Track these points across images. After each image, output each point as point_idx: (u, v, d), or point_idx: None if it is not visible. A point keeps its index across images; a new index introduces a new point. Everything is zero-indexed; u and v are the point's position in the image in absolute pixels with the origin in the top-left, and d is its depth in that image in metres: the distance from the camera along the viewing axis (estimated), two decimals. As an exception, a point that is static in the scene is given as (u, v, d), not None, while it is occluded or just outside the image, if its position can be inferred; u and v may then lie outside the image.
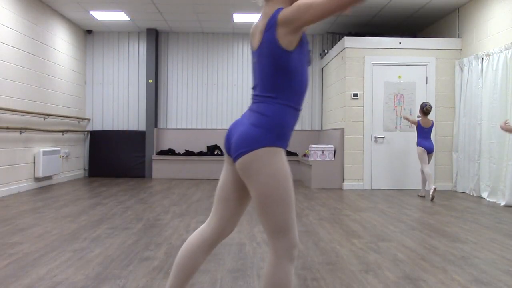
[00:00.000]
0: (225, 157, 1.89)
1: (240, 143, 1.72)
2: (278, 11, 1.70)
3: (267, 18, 1.73)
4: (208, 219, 1.95)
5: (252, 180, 1.71)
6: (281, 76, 1.72)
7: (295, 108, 1.78)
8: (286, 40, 1.68)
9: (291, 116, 1.76)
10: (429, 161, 6.95)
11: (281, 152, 1.74)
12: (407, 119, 7.15)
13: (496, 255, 3.59)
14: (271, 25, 1.69)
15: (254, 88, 1.83)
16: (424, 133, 6.93)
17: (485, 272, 3.14)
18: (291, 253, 1.75)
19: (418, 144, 6.93)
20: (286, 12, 1.66)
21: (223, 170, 1.91)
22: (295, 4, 1.64)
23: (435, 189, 6.49)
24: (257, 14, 8.55)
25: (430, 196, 6.52)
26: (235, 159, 1.74)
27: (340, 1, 1.57)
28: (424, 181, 7.05)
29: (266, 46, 1.71)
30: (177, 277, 1.91)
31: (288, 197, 1.72)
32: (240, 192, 1.88)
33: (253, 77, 1.82)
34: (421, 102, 7.25)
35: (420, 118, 6.98)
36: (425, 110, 6.88)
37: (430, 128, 6.95)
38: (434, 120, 7.55)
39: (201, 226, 1.96)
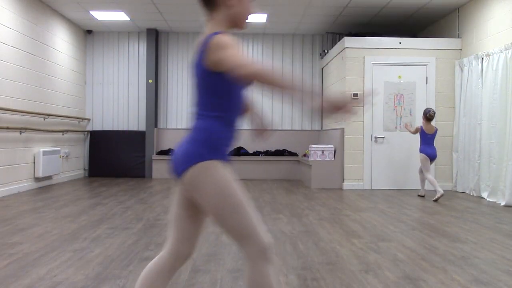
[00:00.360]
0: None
1: (177, 162, 1.77)
2: (208, 37, 1.73)
3: (201, 40, 1.77)
4: (165, 244, 1.90)
5: (198, 195, 1.74)
6: (211, 93, 1.77)
7: (228, 122, 1.79)
8: (213, 63, 1.71)
9: (223, 129, 1.78)
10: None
11: (216, 164, 1.75)
12: (407, 128, 7.19)
13: (496, 255, 3.59)
14: (203, 49, 1.73)
15: (194, 107, 1.85)
16: (427, 139, 6.85)
17: (485, 272, 3.14)
18: (264, 254, 1.72)
19: (421, 151, 6.83)
20: (214, 49, 1.69)
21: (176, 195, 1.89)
22: (221, 50, 1.67)
23: (442, 195, 6.40)
24: (257, 14, 8.56)
25: (436, 197, 6.46)
26: (178, 178, 1.78)
27: (247, 72, 1.58)
28: (423, 181, 7.04)
29: (199, 65, 1.76)
30: None
31: (238, 203, 1.72)
32: (191, 210, 1.85)
33: (194, 96, 1.85)
34: (424, 108, 7.22)
35: (423, 125, 6.92)
36: (428, 116, 6.80)
37: (433, 135, 6.86)
38: (436, 126, 7.47)
39: (160, 253, 1.90)
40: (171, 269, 1.86)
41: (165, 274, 1.85)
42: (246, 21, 1.88)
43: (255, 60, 1.60)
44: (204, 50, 1.73)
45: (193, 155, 1.74)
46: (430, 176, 6.75)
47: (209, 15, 1.83)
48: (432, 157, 6.84)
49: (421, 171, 6.99)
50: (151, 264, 1.87)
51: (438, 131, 8.02)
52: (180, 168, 1.76)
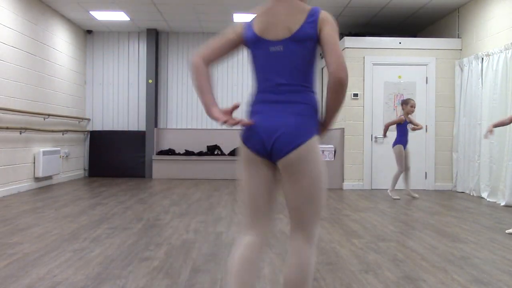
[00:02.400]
0: (252, 162, 1.79)
1: (294, 135, 1.71)
2: (317, 9, 1.78)
3: (302, 13, 1.77)
4: (248, 229, 1.83)
5: (306, 170, 1.72)
6: (311, 67, 1.80)
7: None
8: (322, 38, 1.76)
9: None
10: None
11: (318, 140, 1.80)
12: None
13: (496, 255, 3.59)
14: (312, 21, 1.75)
15: (274, 78, 1.78)
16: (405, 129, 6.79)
17: (485, 272, 3.14)
18: (316, 239, 1.82)
19: (401, 142, 6.76)
20: (329, 21, 1.76)
21: (250, 177, 1.81)
22: (334, 31, 1.76)
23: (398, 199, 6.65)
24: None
25: (394, 197, 6.68)
26: (286, 153, 1.71)
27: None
28: (405, 180, 6.92)
29: (304, 37, 1.74)
30: None
31: (325, 185, 1.80)
32: (274, 192, 1.85)
33: (271, 68, 1.79)
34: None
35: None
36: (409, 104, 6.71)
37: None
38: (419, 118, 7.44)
39: (246, 240, 1.81)
40: (260, 253, 1.80)
41: (257, 261, 1.78)
42: None
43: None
44: (315, 21, 1.74)
45: (310, 128, 1.74)
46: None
47: None
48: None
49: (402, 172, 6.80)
50: (243, 254, 1.77)
51: (438, 131, 8.05)
52: (298, 140, 1.71)
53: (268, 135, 1.73)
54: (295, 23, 1.76)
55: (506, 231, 4.51)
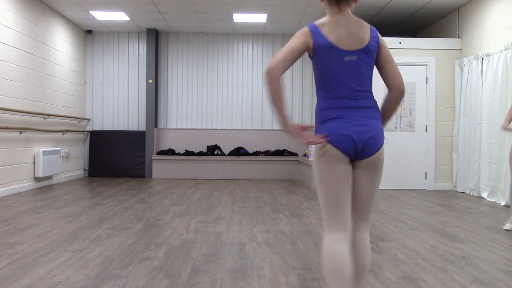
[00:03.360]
0: (340, 161, 1.98)
1: (379, 137, 2.00)
2: (374, 28, 2.09)
3: (366, 29, 2.05)
4: (341, 225, 1.99)
5: (380, 168, 2.04)
6: (372, 75, 2.09)
7: None
8: (381, 58, 2.10)
9: None
10: None
11: None
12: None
13: (496, 255, 3.59)
14: (375, 37, 2.06)
15: (351, 85, 2.00)
16: None
17: (485, 272, 3.14)
18: None
19: None
20: (384, 41, 2.11)
21: (338, 176, 1.98)
22: (390, 55, 2.14)
23: None
24: (257, 14, 8.56)
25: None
26: (373, 153, 1.99)
27: None
28: None
29: (372, 50, 2.03)
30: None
31: None
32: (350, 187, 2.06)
33: (346, 75, 2.00)
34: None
35: None
36: None
37: None
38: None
39: (338, 237, 1.97)
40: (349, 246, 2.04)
41: (349, 255, 1.99)
42: None
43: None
44: (376, 37, 2.05)
45: (383, 131, 2.05)
46: None
47: (347, 4, 2.08)
48: None
49: None
50: (341, 251, 1.95)
51: (438, 131, 8.04)
52: (380, 142, 2.01)
53: (360, 137, 1.96)
54: (365, 37, 2.01)
55: (504, 227, 4.51)
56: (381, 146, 2.00)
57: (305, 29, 2.01)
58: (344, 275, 1.91)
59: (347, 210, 1.99)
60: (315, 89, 9.85)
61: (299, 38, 1.99)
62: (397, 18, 8.66)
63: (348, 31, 2.00)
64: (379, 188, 8.01)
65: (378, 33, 2.09)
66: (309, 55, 2.06)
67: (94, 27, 9.74)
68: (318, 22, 2.03)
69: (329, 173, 1.98)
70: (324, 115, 2.01)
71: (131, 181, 9.05)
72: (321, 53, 1.99)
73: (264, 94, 10.09)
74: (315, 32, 2.00)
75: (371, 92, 2.05)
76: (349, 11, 2.07)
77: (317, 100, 2.08)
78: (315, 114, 2.07)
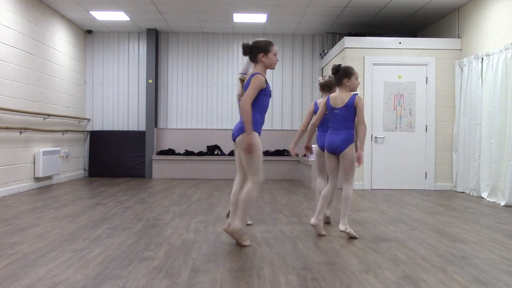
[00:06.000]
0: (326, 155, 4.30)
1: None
2: (354, 96, 4.18)
3: (347, 98, 4.19)
4: (324, 176, 4.43)
5: (347, 158, 4.17)
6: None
7: None
8: None
9: None
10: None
11: None
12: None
13: (496, 255, 3.59)
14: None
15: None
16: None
17: (485, 272, 3.14)
18: None
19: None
20: (360, 104, 4.18)
21: (328, 161, 4.28)
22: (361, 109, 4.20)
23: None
24: (257, 14, 8.57)
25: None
26: (341, 151, 4.15)
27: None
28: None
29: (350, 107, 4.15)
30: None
31: None
32: (338, 167, 4.29)
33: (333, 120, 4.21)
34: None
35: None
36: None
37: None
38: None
39: (321, 179, 4.61)
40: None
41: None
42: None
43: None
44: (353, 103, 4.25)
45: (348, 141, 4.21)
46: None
47: None
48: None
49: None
50: (322, 186, 4.50)
51: (438, 131, 8.04)
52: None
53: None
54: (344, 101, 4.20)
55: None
56: (344, 148, 4.15)
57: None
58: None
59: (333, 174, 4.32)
60: (315, 89, 9.85)
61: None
62: (397, 18, 8.66)
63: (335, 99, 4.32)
64: (379, 188, 8.08)
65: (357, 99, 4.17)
66: None
67: (94, 27, 9.74)
68: None
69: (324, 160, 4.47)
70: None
71: (131, 181, 9.05)
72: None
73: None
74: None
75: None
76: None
77: None
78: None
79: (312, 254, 3.58)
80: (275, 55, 3.83)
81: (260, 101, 3.81)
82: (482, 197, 6.91)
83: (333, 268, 3.21)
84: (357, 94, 4.36)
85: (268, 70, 3.89)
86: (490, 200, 6.65)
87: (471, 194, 7.29)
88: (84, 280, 2.88)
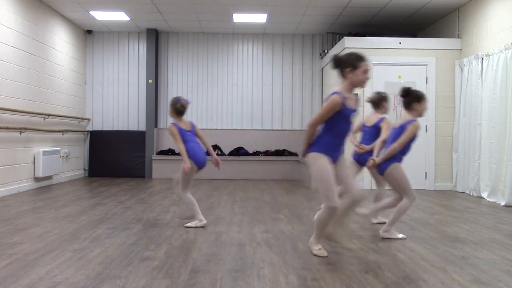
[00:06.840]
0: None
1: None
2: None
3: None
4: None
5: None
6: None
7: None
8: None
9: None
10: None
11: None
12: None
13: (496, 255, 3.59)
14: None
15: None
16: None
17: (485, 272, 3.14)
18: None
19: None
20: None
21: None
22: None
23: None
24: (257, 14, 8.56)
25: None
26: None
27: None
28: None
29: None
30: None
31: None
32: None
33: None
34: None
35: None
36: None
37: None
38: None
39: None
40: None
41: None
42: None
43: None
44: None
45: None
46: None
47: None
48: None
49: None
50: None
51: (438, 131, 8.03)
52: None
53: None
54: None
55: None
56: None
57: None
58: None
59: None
60: (315, 89, 9.85)
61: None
62: (397, 18, 8.66)
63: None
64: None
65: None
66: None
67: (94, 27, 9.74)
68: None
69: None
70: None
71: (131, 181, 9.05)
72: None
73: (264, 94, 10.09)
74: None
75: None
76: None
77: None
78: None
79: (312, 254, 3.58)
80: (364, 72, 3.49)
81: (332, 122, 3.37)
82: (482, 197, 6.91)
83: (333, 268, 3.21)
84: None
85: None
86: (490, 200, 6.65)
87: (471, 194, 7.29)
88: (84, 280, 2.88)
